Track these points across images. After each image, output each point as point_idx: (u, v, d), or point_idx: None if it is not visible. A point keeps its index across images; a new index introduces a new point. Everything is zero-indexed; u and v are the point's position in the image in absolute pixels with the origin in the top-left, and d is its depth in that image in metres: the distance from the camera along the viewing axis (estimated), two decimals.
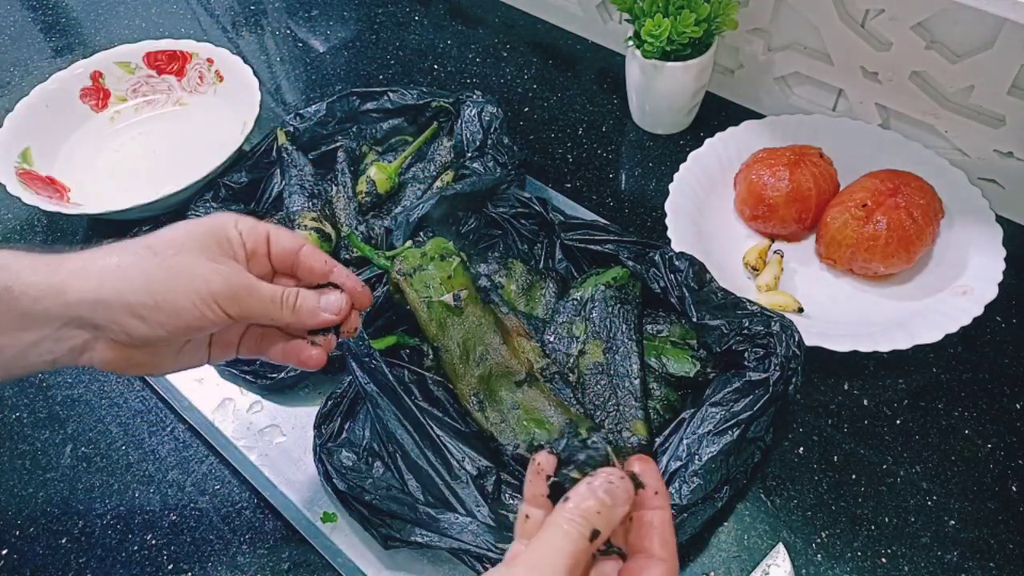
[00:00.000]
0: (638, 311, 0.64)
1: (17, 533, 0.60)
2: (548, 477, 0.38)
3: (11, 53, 1.04)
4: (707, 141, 0.78)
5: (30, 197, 0.74)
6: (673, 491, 0.53)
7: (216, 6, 1.09)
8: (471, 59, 0.97)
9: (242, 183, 0.77)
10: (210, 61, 0.88)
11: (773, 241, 0.74)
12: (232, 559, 0.58)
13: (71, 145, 0.85)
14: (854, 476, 0.59)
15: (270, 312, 0.45)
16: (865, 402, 0.63)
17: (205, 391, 0.66)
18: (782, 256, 0.72)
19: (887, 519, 0.57)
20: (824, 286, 0.71)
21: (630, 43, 0.79)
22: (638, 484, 0.37)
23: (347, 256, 0.71)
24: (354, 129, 0.82)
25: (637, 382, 0.59)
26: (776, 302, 0.67)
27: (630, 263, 0.65)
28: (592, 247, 0.67)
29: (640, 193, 0.81)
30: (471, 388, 0.59)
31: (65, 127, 0.86)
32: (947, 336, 0.62)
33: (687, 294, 0.61)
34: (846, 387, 0.64)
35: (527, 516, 0.37)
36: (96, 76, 0.88)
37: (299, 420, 0.64)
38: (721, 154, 0.78)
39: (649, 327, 0.65)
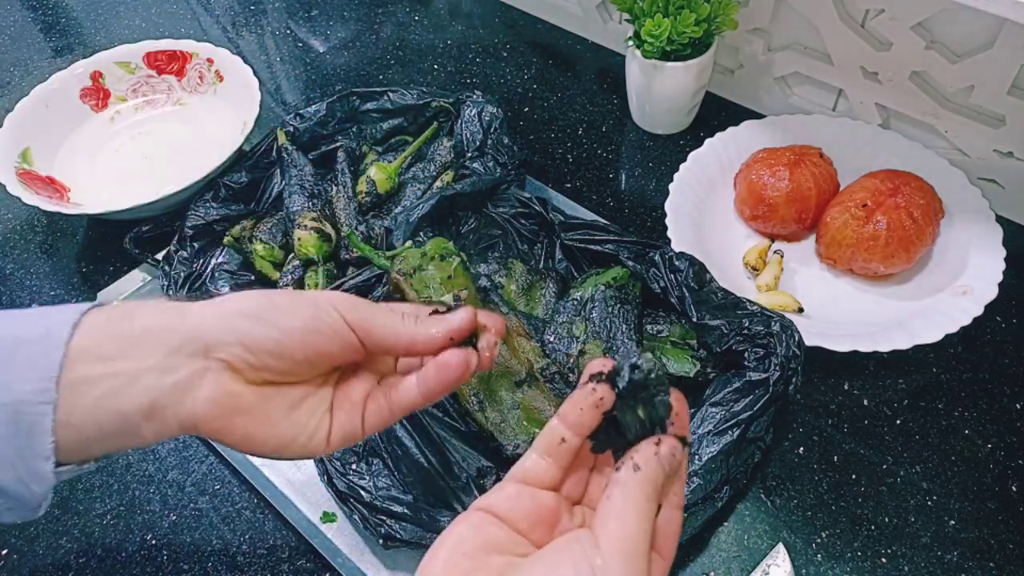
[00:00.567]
0: (638, 311, 0.64)
1: (17, 533, 0.60)
2: (605, 413, 0.34)
3: (11, 53, 1.04)
4: (707, 141, 0.78)
5: (30, 197, 0.74)
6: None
7: (216, 6, 1.09)
8: (471, 59, 0.97)
9: (242, 183, 0.77)
10: (210, 61, 0.88)
11: (773, 241, 0.74)
12: (232, 559, 0.58)
13: (71, 145, 0.85)
14: (854, 476, 0.59)
15: (395, 324, 0.40)
16: (865, 402, 0.63)
17: None
18: (782, 256, 0.72)
19: (887, 519, 0.57)
20: (824, 286, 0.71)
21: (630, 43, 0.79)
22: (685, 443, 0.34)
23: (347, 256, 0.71)
24: (354, 129, 0.82)
25: None
26: (776, 302, 0.67)
27: (630, 263, 0.65)
28: (592, 247, 0.67)
29: (640, 193, 0.81)
30: (471, 388, 0.59)
31: (65, 127, 0.86)
32: (947, 336, 0.62)
33: (687, 294, 0.61)
34: (846, 387, 0.64)
35: (563, 440, 0.35)
36: (96, 76, 0.88)
37: None
38: (721, 154, 0.78)
39: (649, 327, 0.65)
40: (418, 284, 0.60)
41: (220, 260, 0.72)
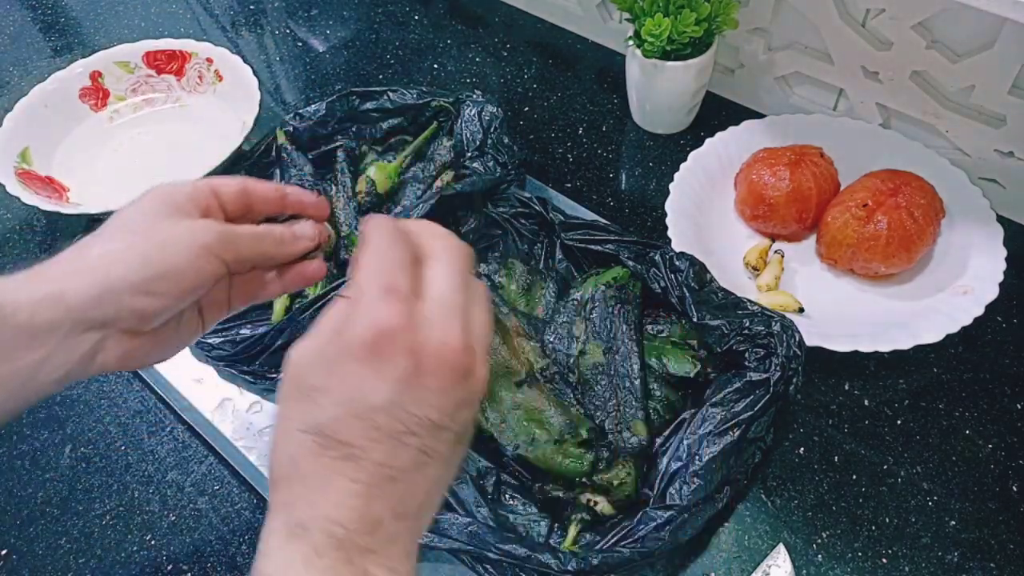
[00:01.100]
0: (638, 311, 0.64)
1: (17, 533, 0.60)
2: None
3: (10, 53, 1.03)
4: (707, 141, 0.78)
5: (29, 197, 0.74)
6: (673, 491, 0.53)
7: (216, 6, 1.09)
8: (471, 59, 0.97)
9: None
10: (209, 61, 0.88)
11: (774, 241, 0.74)
12: (232, 559, 0.57)
13: (70, 145, 0.85)
14: (855, 476, 0.59)
15: (261, 246, 0.46)
16: (866, 402, 0.63)
17: (204, 391, 0.65)
18: (783, 256, 0.71)
19: (888, 519, 0.57)
20: (825, 286, 0.70)
21: (630, 43, 0.79)
22: None
23: (347, 256, 0.71)
24: (354, 129, 0.81)
25: (637, 382, 0.59)
26: (777, 302, 0.67)
27: (630, 263, 0.65)
28: (592, 247, 0.67)
29: (640, 193, 0.81)
30: None
31: (64, 127, 0.85)
32: (948, 336, 0.62)
33: (687, 294, 0.61)
34: (847, 387, 0.64)
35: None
36: (95, 76, 0.87)
37: None
38: (721, 154, 0.78)
39: (649, 327, 0.65)
40: None
41: None
